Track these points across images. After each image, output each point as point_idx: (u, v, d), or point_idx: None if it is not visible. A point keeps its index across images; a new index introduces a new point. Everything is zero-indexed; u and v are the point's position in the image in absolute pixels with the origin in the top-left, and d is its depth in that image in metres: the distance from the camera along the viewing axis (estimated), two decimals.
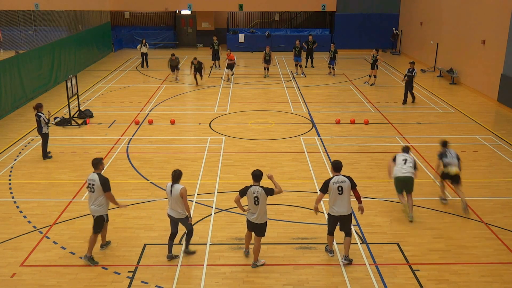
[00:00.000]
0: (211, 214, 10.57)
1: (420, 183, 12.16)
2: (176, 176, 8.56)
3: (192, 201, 11.14)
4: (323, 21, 36.13)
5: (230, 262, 8.88)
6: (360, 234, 9.82)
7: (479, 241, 9.62)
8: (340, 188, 8.52)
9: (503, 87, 18.97)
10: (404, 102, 19.58)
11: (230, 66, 23.98)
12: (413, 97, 19.73)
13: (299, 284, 8.27)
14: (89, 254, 8.77)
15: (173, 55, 24.23)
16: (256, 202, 8.36)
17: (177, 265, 8.74)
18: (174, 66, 24.16)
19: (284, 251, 9.23)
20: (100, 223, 8.80)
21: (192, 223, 10.08)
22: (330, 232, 8.91)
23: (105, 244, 9.34)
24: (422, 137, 15.53)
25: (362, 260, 8.94)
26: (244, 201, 8.55)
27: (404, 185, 10.42)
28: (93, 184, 8.68)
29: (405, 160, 10.52)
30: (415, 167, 10.50)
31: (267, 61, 24.56)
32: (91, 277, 8.40)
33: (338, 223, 8.79)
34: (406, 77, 19.41)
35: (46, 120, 13.30)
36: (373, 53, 22.55)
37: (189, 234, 8.98)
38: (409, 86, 19.38)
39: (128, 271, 8.57)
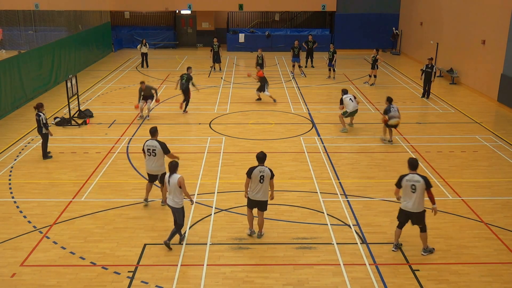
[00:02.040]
0: (211, 214, 10.57)
1: None
2: (173, 167, 8.97)
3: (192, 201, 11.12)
4: (323, 21, 36.12)
5: (230, 262, 8.88)
6: (360, 234, 9.82)
7: (479, 241, 9.62)
8: (413, 187, 8.76)
9: (503, 87, 18.97)
10: (423, 96, 20.56)
11: (262, 87, 19.40)
12: (428, 93, 20.40)
13: (299, 284, 8.27)
14: (164, 198, 10.18)
15: (142, 83, 17.12)
16: (261, 180, 9.13)
17: (177, 265, 8.74)
18: (147, 95, 17.27)
19: (284, 251, 9.23)
20: (163, 177, 9.89)
21: (192, 223, 10.11)
22: (399, 225, 9.17)
23: (147, 200, 10.86)
24: (422, 137, 15.52)
25: (362, 260, 8.94)
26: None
27: (353, 114, 16.03)
28: (154, 149, 10.33)
29: (351, 99, 15.79)
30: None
31: (260, 65, 22.27)
32: (91, 277, 8.40)
33: (410, 220, 9.08)
34: (423, 73, 20.25)
35: (44, 122, 13.26)
36: (373, 53, 22.56)
37: (178, 227, 9.18)
38: (427, 81, 20.13)
39: (128, 271, 8.57)
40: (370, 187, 11.95)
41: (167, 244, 9.15)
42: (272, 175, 9.27)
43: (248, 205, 9.51)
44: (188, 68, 18.56)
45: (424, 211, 8.91)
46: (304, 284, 8.26)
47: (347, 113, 15.82)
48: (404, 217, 9.02)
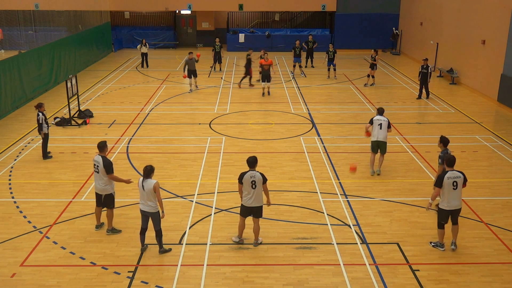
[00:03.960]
0: (211, 214, 10.57)
1: (420, 183, 12.17)
2: (147, 171, 8.73)
3: (192, 201, 11.15)
4: (323, 21, 36.12)
5: (230, 262, 8.88)
6: (360, 234, 9.82)
7: (479, 241, 9.62)
8: (455, 183, 8.79)
9: (503, 87, 18.97)
10: (419, 97, 20.30)
11: (267, 77, 20.08)
12: (427, 93, 20.25)
13: (299, 284, 8.27)
14: (110, 227, 9.80)
15: (190, 53, 21.02)
16: (254, 186, 8.90)
17: (177, 265, 8.74)
18: (192, 70, 21.04)
19: (284, 251, 9.23)
20: (110, 200, 9.64)
21: (192, 223, 10.11)
22: (442, 226, 9.17)
23: (100, 225, 9.98)
24: (422, 137, 15.52)
25: (362, 260, 8.94)
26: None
27: (379, 147, 12.38)
28: (98, 166, 9.45)
29: (380, 125, 12.27)
30: (389, 125, 12.31)
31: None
32: (91, 277, 8.40)
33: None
34: (419, 74, 20.06)
35: (41, 122, 13.21)
36: (372, 53, 22.46)
37: (158, 234, 8.98)
38: (423, 82, 19.97)
39: (128, 271, 8.57)
40: (370, 187, 11.95)
41: (164, 251, 9.05)
42: (265, 180, 8.98)
43: (242, 213, 9.20)
44: (249, 48, 22.87)
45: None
46: (304, 284, 8.26)
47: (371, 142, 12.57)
48: (447, 216, 9.06)
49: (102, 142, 9.69)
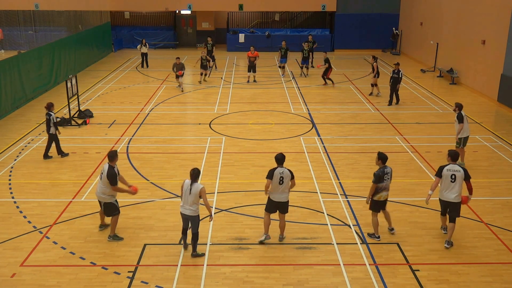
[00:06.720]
0: (211, 214, 10.54)
1: (420, 183, 12.17)
2: (195, 174, 8.71)
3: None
4: (323, 21, 36.12)
5: (230, 262, 8.88)
6: (360, 234, 9.82)
7: (479, 241, 9.62)
8: (453, 176, 9.21)
9: (503, 87, 18.97)
10: (389, 104, 19.19)
11: (253, 67, 22.77)
12: (398, 99, 19.26)
13: (299, 284, 8.27)
14: (112, 233, 9.54)
15: (177, 58, 21.34)
16: (281, 182, 9.05)
17: (177, 265, 8.75)
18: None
19: (284, 251, 9.23)
20: (109, 209, 9.40)
21: None
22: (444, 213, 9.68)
23: (104, 226, 9.91)
24: (422, 137, 15.53)
25: (362, 260, 8.94)
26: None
27: (467, 141, 13.05)
28: (102, 173, 9.26)
29: (467, 117, 12.89)
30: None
31: (204, 66, 22.87)
32: (91, 277, 8.40)
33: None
34: (390, 79, 19.12)
35: (54, 121, 13.28)
36: (371, 62, 20.93)
37: (194, 238, 8.92)
38: (393, 87, 18.98)
39: (128, 271, 8.57)
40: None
41: (197, 255, 8.93)
42: (292, 176, 9.18)
43: (268, 208, 9.31)
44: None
45: None
46: (304, 284, 8.27)
47: (462, 140, 12.96)
48: (443, 206, 9.56)
49: (112, 151, 9.32)
